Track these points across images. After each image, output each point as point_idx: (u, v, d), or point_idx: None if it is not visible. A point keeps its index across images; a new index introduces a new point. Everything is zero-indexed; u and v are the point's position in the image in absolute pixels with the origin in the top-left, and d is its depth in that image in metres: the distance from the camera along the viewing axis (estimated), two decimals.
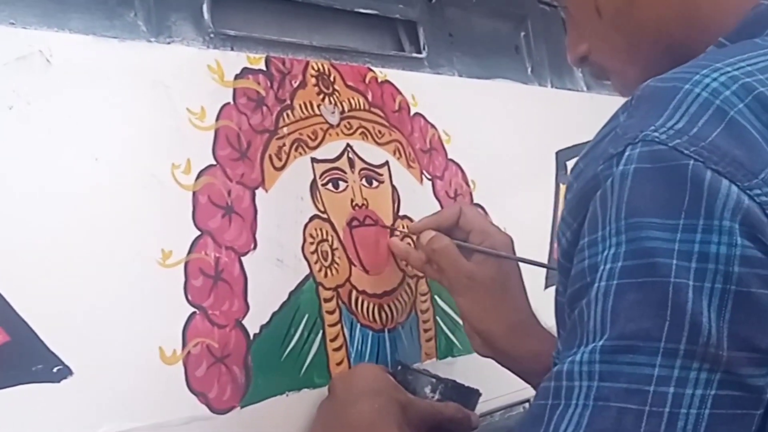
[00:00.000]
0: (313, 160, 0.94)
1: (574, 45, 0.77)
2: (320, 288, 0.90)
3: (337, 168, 0.96)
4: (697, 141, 0.54)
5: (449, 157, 1.11)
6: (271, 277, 0.86)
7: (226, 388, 0.80)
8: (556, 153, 1.28)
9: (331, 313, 0.91)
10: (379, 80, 1.05)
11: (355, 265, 0.95)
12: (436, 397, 0.91)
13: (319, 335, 0.89)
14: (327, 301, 0.91)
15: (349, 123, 0.99)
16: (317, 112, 0.96)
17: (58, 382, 0.69)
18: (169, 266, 0.78)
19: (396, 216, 1.01)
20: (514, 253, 0.93)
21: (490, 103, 1.20)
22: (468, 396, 0.93)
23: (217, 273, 0.81)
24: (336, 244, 0.94)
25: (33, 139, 0.72)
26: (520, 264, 0.93)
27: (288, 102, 0.93)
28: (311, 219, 0.92)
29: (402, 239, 0.99)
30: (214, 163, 0.84)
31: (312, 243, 0.91)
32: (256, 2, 0.98)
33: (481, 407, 0.95)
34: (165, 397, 0.75)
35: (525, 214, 1.18)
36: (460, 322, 0.94)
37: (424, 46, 1.13)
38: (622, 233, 0.54)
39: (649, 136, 0.55)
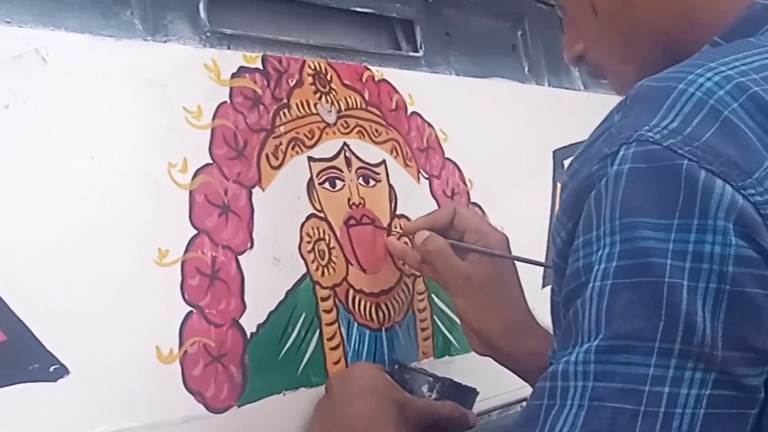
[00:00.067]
0: (310, 159, 0.94)
1: (570, 44, 0.77)
2: (317, 287, 0.90)
3: (333, 167, 0.96)
4: (691, 141, 0.54)
5: (446, 156, 1.11)
6: (268, 276, 0.86)
7: (223, 387, 0.80)
8: (554, 152, 1.28)
9: (328, 312, 0.91)
10: (376, 79, 1.05)
11: (352, 264, 0.95)
12: (434, 396, 0.91)
13: (316, 334, 0.89)
14: (324, 300, 0.91)
15: (345, 122, 0.99)
16: (314, 110, 0.96)
17: (55, 381, 0.69)
18: (166, 265, 0.78)
19: (393, 215, 1.01)
20: (510, 252, 0.94)
21: (487, 102, 1.20)
22: (465, 395, 0.93)
23: (214, 272, 0.81)
24: (333, 243, 0.94)
25: (29, 138, 0.72)
26: (517, 263, 0.94)
27: (285, 101, 0.93)
28: (308, 218, 0.92)
29: (399, 238, 0.99)
30: (211, 162, 0.84)
31: (309, 242, 0.91)
32: (253, 1, 0.98)
33: (478, 406, 0.95)
34: (162, 396, 0.75)
35: (522, 213, 1.18)
36: (458, 321, 0.94)
37: (421, 44, 1.13)
38: (617, 233, 0.54)
39: (643, 136, 0.55)
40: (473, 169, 1.14)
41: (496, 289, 0.91)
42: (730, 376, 0.53)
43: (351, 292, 0.94)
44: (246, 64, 0.90)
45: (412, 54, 1.13)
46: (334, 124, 0.98)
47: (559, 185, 1.27)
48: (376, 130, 1.03)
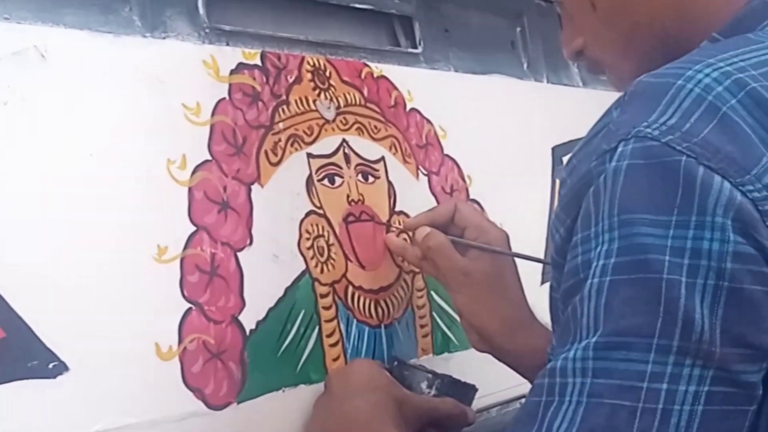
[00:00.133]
0: (309, 155, 0.94)
1: (569, 40, 0.77)
2: (316, 284, 0.90)
3: (332, 163, 0.96)
4: (690, 137, 0.54)
5: (445, 152, 1.11)
6: (267, 273, 0.86)
7: (222, 383, 0.80)
8: (552, 148, 1.28)
9: (327, 308, 0.91)
10: (375, 75, 1.05)
11: (351, 261, 0.95)
12: (433, 392, 0.91)
13: (316, 331, 0.89)
14: (323, 296, 0.91)
15: (344, 118, 0.99)
16: (313, 107, 0.96)
17: (54, 378, 0.69)
18: (165, 262, 0.78)
19: (392, 211, 1.01)
20: (510, 248, 0.94)
21: (486, 98, 1.20)
22: (464, 391, 0.93)
23: (213, 269, 0.81)
24: (332, 239, 0.94)
25: (28, 134, 0.72)
26: (517, 260, 0.94)
27: (283, 97, 0.93)
28: (307, 214, 0.92)
29: (398, 235, 0.99)
30: (210, 158, 0.84)
31: (308, 239, 0.91)
32: None
33: (477, 403, 0.95)
34: (161, 392, 0.75)
35: (521, 210, 1.18)
36: (457, 317, 0.94)
37: (419, 41, 1.13)
38: (615, 229, 0.54)
39: (641, 132, 0.55)
40: (472, 165, 1.14)
41: (495, 286, 0.91)
42: (729, 373, 0.53)
43: (350, 288, 0.94)
44: (245, 61, 0.90)
45: (411, 50, 1.13)
46: (333, 120, 0.98)
47: (558, 182, 1.27)
48: (375, 127, 1.03)
